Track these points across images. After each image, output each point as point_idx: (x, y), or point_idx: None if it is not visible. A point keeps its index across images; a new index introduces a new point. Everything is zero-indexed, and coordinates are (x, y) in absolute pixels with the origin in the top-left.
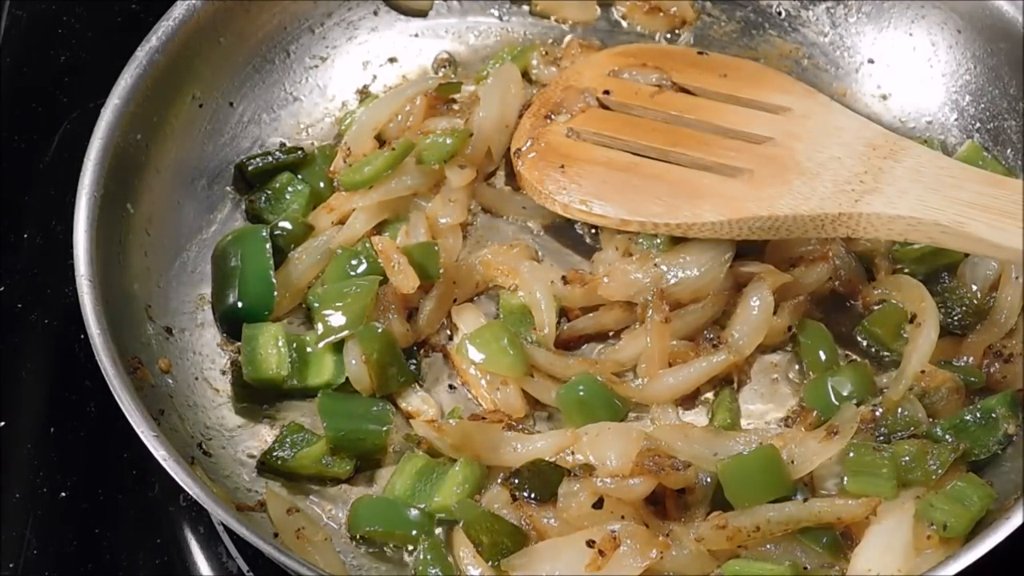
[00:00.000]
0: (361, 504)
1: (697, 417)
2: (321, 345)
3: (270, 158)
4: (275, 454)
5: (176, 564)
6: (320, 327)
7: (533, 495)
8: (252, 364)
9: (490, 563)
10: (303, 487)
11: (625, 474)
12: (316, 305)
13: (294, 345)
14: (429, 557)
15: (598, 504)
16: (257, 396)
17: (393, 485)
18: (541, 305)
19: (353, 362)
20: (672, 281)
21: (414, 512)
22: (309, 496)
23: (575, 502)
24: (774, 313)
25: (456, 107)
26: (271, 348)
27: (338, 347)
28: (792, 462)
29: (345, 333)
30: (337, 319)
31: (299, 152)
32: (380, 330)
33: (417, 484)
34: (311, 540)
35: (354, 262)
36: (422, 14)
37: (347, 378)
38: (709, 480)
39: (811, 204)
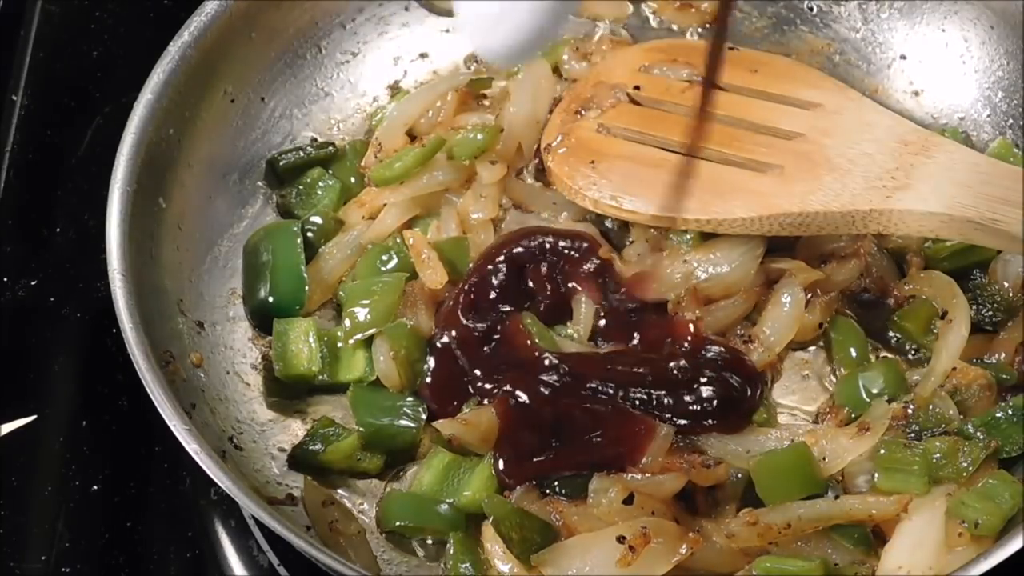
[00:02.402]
0: (392, 499)
1: None
2: (351, 341)
3: (301, 153)
4: (306, 448)
5: (207, 557)
6: (348, 323)
7: (563, 491)
8: (283, 360)
9: (520, 558)
10: (332, 481)
11: (656, 470)
12: (345, 301)
13: (325, 340)
14: (460, 552)
15: (628, 500)
16: (288, 390)
17: (421, 480)
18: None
19: (381, 358)
20: (703, 277)
21: (444, 507)
22: (338, 490)
23: (605, 498)
24: (805, 309)
25: (487, 103)
26: (302, 343)
27: (370, 343)
28: (823, 459)
29: (373, 330)
30: (365, 315)
31: (330, 147)
32: (408, 326)
33: (445, 479)
34: (344, 533)
35: (384, 257)
36: (452, 13)
37: None
38: (740, 476)
39: (842, 200)
